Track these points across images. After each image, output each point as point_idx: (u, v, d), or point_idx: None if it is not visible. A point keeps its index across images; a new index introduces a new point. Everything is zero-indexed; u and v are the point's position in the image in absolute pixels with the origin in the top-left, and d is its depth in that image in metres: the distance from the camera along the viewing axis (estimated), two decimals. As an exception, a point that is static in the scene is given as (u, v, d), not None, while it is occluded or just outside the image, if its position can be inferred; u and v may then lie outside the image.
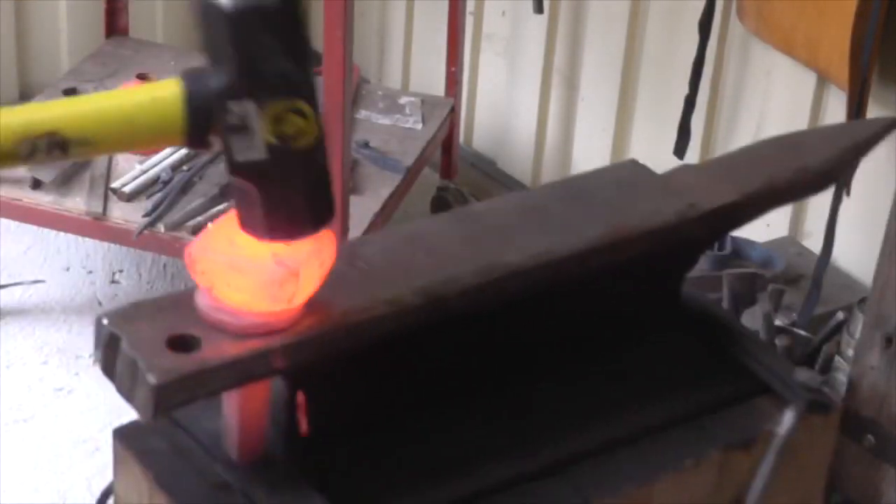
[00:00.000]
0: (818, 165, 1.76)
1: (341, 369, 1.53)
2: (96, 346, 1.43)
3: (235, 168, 1.38)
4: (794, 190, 1.77)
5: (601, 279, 1.67)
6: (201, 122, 1.36)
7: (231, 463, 1.52)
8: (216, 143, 1.38)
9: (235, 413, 1.49)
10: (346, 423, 1.57)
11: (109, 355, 1.41)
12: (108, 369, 1.43)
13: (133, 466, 1.55)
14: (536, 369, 1.69)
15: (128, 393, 1.40)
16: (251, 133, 1.35)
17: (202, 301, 1.44)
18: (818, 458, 1.76)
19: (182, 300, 1.45)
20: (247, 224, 1.41)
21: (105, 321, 1.42)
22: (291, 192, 1.39)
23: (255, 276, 1.40)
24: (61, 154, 1.34)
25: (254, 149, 1.36)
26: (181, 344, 1.41)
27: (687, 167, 1.79)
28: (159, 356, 1.39)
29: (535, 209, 1.68)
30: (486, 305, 1.57)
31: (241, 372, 1.41)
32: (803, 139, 1.83)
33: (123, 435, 1.58)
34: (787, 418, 1.66)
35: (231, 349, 1.40)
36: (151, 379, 1.36)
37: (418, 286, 1.51)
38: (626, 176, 1.75)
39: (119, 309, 1.44)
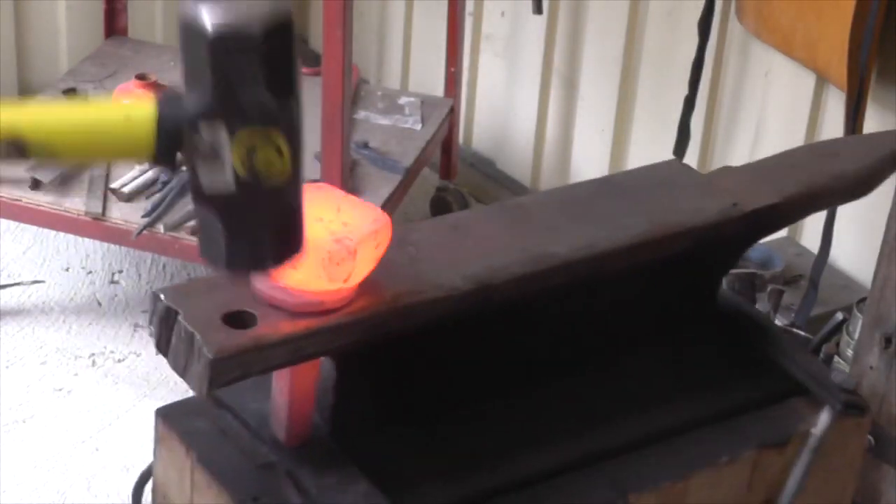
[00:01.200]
0: (855, 172, 1.78)
1: (390, 355, 1.54)
2: (151, 320, 1.45)
3: (199, 196, 1.34)
4: (831, 195, 1.81)
5: (642, 275, 1.68)
6: (171, 142, 1.32)
7: (276, 444, 1.54)
8: (185, 168, 1.35)
9: (285, 392, 1.51)
10: (390, 406, 1.59)
11: (164, 330, 1.43)
12: (162, 345, 1.44)
13: (175, 446, 1.56)
14: (576, 362, 1.71)
15: (182, 368, 1.41)
16: (220, 162, 1.31)
17: (259, 279, 1.45)
18: (850, 459, 1.77)
19: None
20: (206, 252, 1.37)
21: (162, 296, 1.43)
22: (256, 228, 1.35)
23: (312, 254, 1.41)
24: (20, 157, 1.32)
25: (222, 179, 1.32)
26: (237, 320, 1.43)
27: (727, 169, 1.82)
28: (216, 331, 1.41)
29: (580, 204, 1.71)
30: (531, 295, 1.60)
31: (294, 350, 1.44)
32: (840, 147, 1.86)
33: (166, 415, 1.59)
34: (823, 419, 1.67)
35: (286, 327, 1.43)
36: (208, 353, 1.38)
37: (467, 273, 1.54)
38: (668, 175, 1.78)
39: (175, 285, 1.47)
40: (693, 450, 1.65)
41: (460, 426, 1.62)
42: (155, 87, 3.10)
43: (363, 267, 1.45)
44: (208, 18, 1.29)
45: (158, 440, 1.59)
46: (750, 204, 1.71)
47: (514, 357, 1.66)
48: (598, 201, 1.71)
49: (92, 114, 1.35)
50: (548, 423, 1.66)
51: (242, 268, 1.38)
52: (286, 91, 1.32)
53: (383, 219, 1.46)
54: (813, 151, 1.86)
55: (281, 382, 1.51)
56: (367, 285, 1.47)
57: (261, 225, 1.35)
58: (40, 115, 1.34)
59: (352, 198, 1.50)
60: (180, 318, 1.41)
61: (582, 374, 1.71)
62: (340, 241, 1.42)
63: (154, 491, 1.63)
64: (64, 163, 1.37)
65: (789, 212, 1.75)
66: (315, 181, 2.96)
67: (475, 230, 1.63)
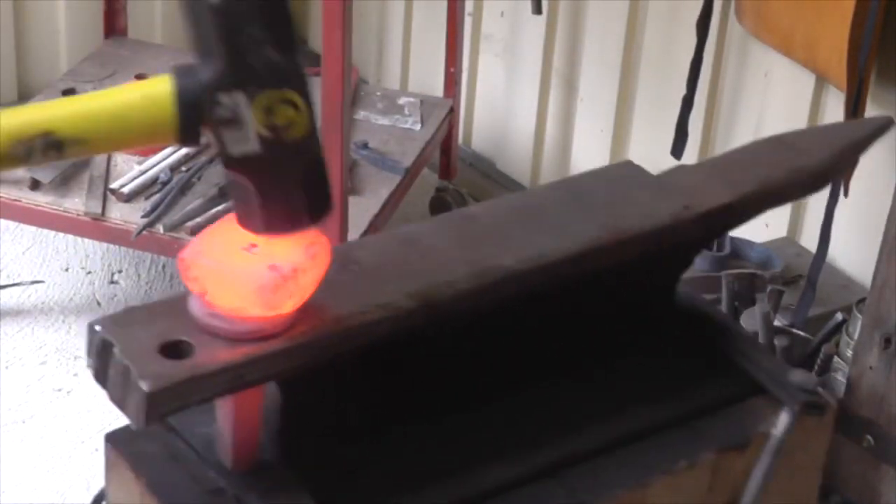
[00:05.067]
0: (813, 166, 1.76)
1: (334, 374, 1.52)
2: (88, 352, 1.42)
3: (229, 162, 1.37)
4: (789, 190, 1.77)
5: (596, 281, 1.66)
6: (192, 116, 1.35)
7: (225, 468, 1.51)
8: (209, 139, 1.37)
9: (229, 419, 1.48)
10: (340, 428, 1.57)
11: (102, 362, 1.40)
12: (101, 376, 1.41)
13: (125, 471, 1.53)
14: (530, 372, 1.68)
15: (120, 400, 1.38)
16: (242, 125, 1.35)
17: (196, 307, 1.43)
18: (813, 459, 1.76)
19: (175, 306, 1.44)
20: (244, 220, 1.41)
21: (98, 327, 1.40)
22: (287, 185, 1.38)
23: (248, 282, 1.39)
24: (57, 154, 1.34)
25: (246, 141, 1.35)
26: (174, 350, 1.39)
27: (682, 168, 1.79)
28: (152, 362, 1.37)
29: (531, 211, 1.67)
30: (480, 309, 1.57)
31: (234, 378, 1.40)
32: (798, 139, 1.83)
33: (116, 439, 1.56)
34: (783, 420, 1.66)
35: (224, 355, 1.39)
36: (144, 386, 1.35)
37: (412, 290, 1.50)
38: (621, 177, 1.75)
39: (112, 315, 1.43)
40: (651, 455, 1.63)
41: (413, 443, 1.59)
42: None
43: (301, 292, 1.42)
44: None
45: (109, 465, 1.56)
46: (703, 205, 1.67)
47: (468, 370, 1.63)
48: (550, 208, 1.67)
49: (112, 98, 1.37)
50: (503, 435, 1.63)
51: (281, 229, 1.40)
52: (290, 47, 1.36)
53: (321, 242, 1.43)
54: (770, 145, 1.82)
55: (224, 409, 1.48)
56: (308, 308, 1.43)
57: (292, 181, 1.38)
58: (65, 108, 1.35)
59: None
60: (115, 350, 1.38)
61: (538, 383, 1.68)
62: (275, 268, 1.40)
63: None
64: (96, 151, 1.39)
65: (744, 210, 1.72)
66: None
67: (422, 244, 1.59)
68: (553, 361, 1.69)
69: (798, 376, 1.70)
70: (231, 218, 1.45)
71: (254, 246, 1.42)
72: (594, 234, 1.62)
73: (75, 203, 2.97)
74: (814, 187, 1.81)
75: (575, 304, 1.68)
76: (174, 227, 2.92)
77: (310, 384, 1.50)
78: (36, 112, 1.35)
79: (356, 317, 1.47)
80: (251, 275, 1.40)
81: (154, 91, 1.36)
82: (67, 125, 1.34)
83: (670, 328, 1.78)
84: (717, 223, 1.72)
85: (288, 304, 1.41)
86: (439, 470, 1.58)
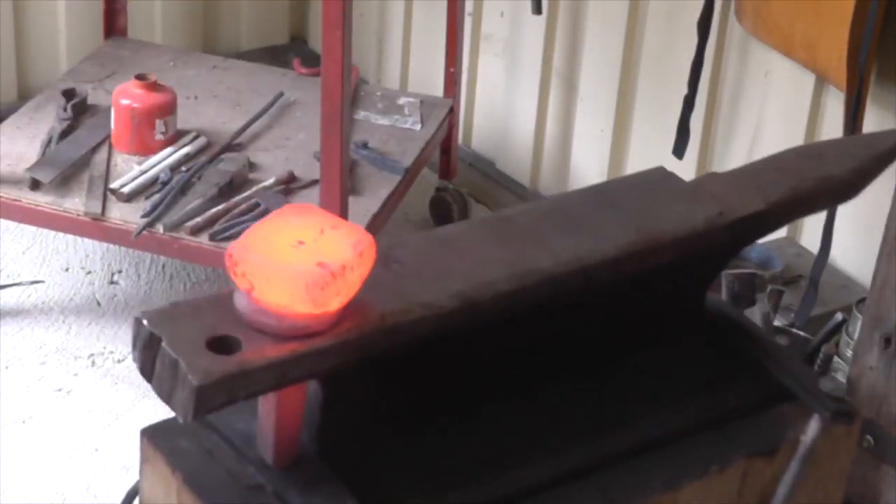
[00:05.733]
0: (842, 175, 1.78)
1: (376, 372, 1.53)
2: (134, 346, 1.42)
3: None
4: (818, 199, 1.79)
5: (629, 285, 1.68)
6: None
7: (263, 464, 1.52)
8: None
9: (272, 415, 1.49)
10: (379, 425, 1.58)
11: (148, 356, 1.41)
12: (146, 370, 1.42)
13: (161, 467, 1.54)
14: (564, 374, 1.70)
15: (167, 394, 1.39)
16: None
17: (242, 303, 1.44)
18: (839, 466, 1.77)
19: (221, 301, 1.46)
20: None
21: (145, 321, 1.41)
22: None
23: (296, 279, 1.40)
24: None
25: None
26: (222, 345, 1.41)
27: (713, 175, 1.81)
28: (200, 357, 1.38)
29: (566, 215, 1.69)
30: (518, 310, 1.58)
31: (281, 374, 1.41)
32: (827, 149, 1.85)
33: (151, 435, 1.57)
34: (812, 427, 1.67)
35: (272, 351, 1.41)
36: (193, 380, 1.36)
37: (453, 290, 1.52)
38: (654, 183, 1.77)
39: (158, 309, 1.44)
40: (683, 459, 1.64)
41: (449, 441, 1.61)
42: (154, 86, 3.11)
43: (347, 289, 1.43)
44: None
45: (144, 460, 1.57)
46: (736, 212, 1.69)
47: (504, 370, 1.65)
48: (585, 212, 1.69)
49: None
50: (538, 436, 1.64)
51: None
52: None
53: (367, 239, 1.44)
54: (799, 154, 1.84)
55: (267, 405, 1.49)
56: (352, 305, 1.45)
57: None
58: None
59: (335, 218, 1.48)
60: (163, 344, 1.39)
61: (571, 385, 1.69)
62: (323, 266, 1.40)
63: None
64: None
65: (775, 217, 1.74)
66: (314, 182, 2.97)
67: (461, 245, 1.61)
68: (585, 364, 1.71)
69: (828, 384, 1.71)
70: (278, 214, 1.46)
71: (301, 243, 1.43)
72: (630, 239, 1.64)
73: (75, 203, 2.97)
74: (843, 196, 1.83)
75: (609, 308, 1.70)
76: (174, 227, 2.92)
77: (350, 381, 1.52)
78: None
79: (400, 315, 1.48)
80: (299, 271, 1.41)
81: None
82: None
83: (700, 334, 1.79)
84: (749, 230, 1.74)
85: (335, 302, 1.43)
86: (473, 469, 1.59)
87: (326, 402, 1.53)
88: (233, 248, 1.43)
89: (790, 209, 1.75)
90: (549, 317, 1.64)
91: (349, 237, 1.44)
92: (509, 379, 1.66)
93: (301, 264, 1.41)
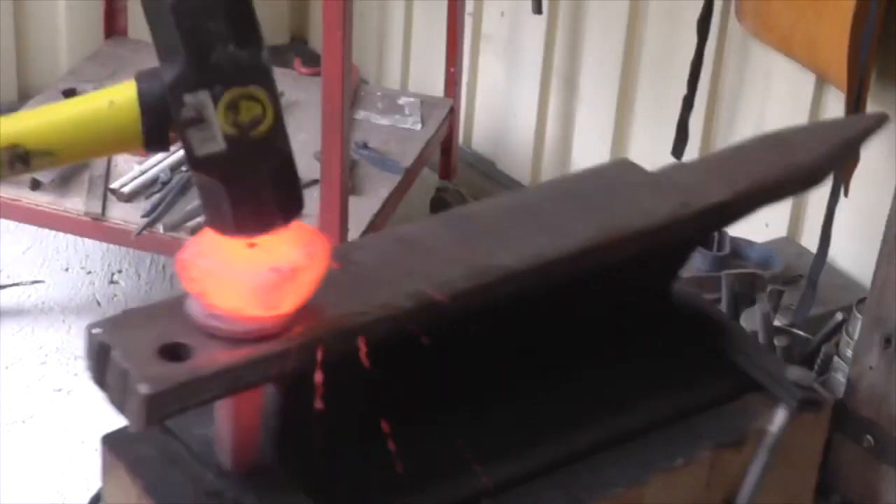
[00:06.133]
0: (808, 162, 1.76)
1: (333, 375, 1.51)
2: (87, 355, 1.41)
3: (196, 164, 1.36)
4: (785, 186, 1.77)
5: (593, 279, 1.66)
6: (158, 119, 1.35)
7: (223, 470, 1.51)
8: (176, 141, 1.36)
9: (228, 421, 1.48)
10: (338, 429, 1.56)
11: (100, 365, 1.40)
12: (99, 379, 1.40)
13: (122, 474, 1.53)
14: (527, 372, 1.68)
15: (119, 403, 1.38)
16: (207, 125, 1.34)
17: (194, 308, 1.42)
18: (809, 456, 1.76)
19: (174, 307, 1.44)
20: (215, 222, 1.40)
21: (95, 330, 1.40)
22: (255, 183, 1.37)
23: (246, 282, 1.39)
24: (24, 167, 1.33)
25: (212, 141, 1.34)
26: (173, 353, 1.39)
27: (678, 166, 1.79)
28: (151, 365, 1.37)
29: (528, 210, 1.68)
30: (478, 308, 1.57)
31: (234, 380, 1.40)
32: (793, 136, 1.83)
33: (112, 442, 1.56)
34: (779, 416, 1.66)
35: (224, 357, 1.39)
36: (143, 389, 1.34)
37: (411, 290, 1.50)
38: (618, 175, 1.75)
39: (110, 318, 1.43)
40: (648, 453, 1.63)
41: (410, 443, 1.58)
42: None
43: (301, 291, 1.41)
44: None
45: (105, 468, 1.56)
46: (700, 202, 1.68)
47: (467, 370, 1.63)
48: (547, 207, 1.68)
49: (78, 107, 1.36)
50: (500, 435, 1.63)
51: (252, 230, 1.39)
52: (254, 42, 1.35)
53: (320, 241, 1.43)
54: (765, 142, 1.82)
55: (224, 411, 1.48)
56: (307, 308, 1.43)
57: (259, 179, 1.37)
58: (30, 120, 1.35)
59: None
60: (113, 353, 1.38)
61: (534, 382, 1.68)
62: (275, 268, 1.39)
63: None
64: (64, 161, 1.38)
65: (741, 207, 1.72)
66: (314, 181, 2.97)
67: (421, 244, 1.59)
68: (549, 360, 1.69)
69: (794, 373, 1.70)
70: None
71: (252, 246, 1.41)
72: (592, 233, 1.62)
73: (75, 203, 2.97)
74: (810, 183, 1.81)
75: (572, 303, 1.68)
76: (174, 227, 2.92)
77: (308, 386, 1.49)
78: (0, 125, 1.33)
79: (355, 317, 1.47)
80: (250, 274, 1.39)
81: (119, 97, 1.35)
82: (34, 137, 1.33)
83: (667, 326, 1.78)
84: (714, 220, 1.72)
85: (287, 304, 1.41)
86: (436, 470, 1.58)
87: (284, 407, 1.51)
88: (183, 252, 1.42)
89: (756, 198, 1.73)
90: (511, 314, 1.62)
91: (301, 238, 1.43)
92: (472, 378, 1.64)
93: (251, 267, 1.39)
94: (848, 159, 1.82)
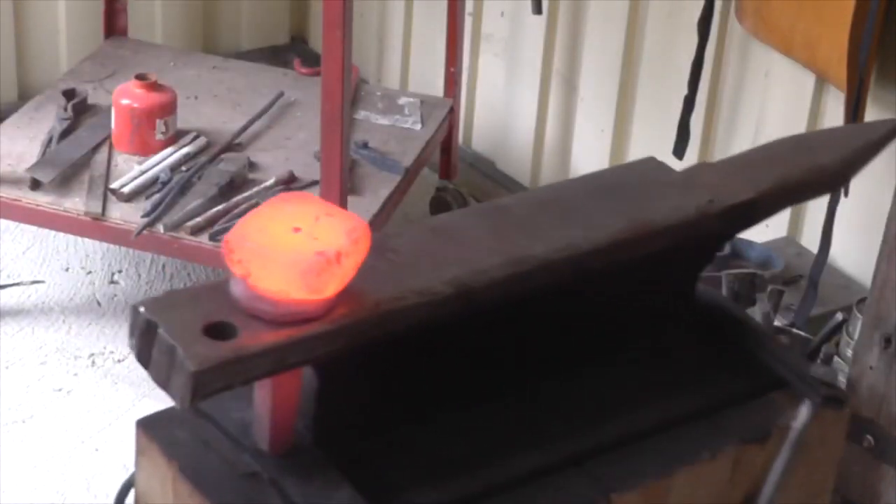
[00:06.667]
0: (831, 165, 1.79)
1: (372, 361, 1.54)
2: (131, 333, 1.43)
3: None
4: (807, 188, 1.81)
5: (621, 274, 1.69)
6: None
7: (259, 452, 1.53)
8: None
9: (267, 402, 1.50)
10: (373, 413, 1.59)
11: (145, 343, 1.42)
12: (143, 357, 1.43)
13: (157, 456, 1.55)
14: (556, 363, 1.71)
15: (164, 381, 1.40)
16: None
17: (238, 289, 1.45)
18: (830, 453, 1.78)
19: (218, 289, 1.46)
20: None
21: (142, 309, 1.42)
22: None
23: (292, 265, 1.41)
24: None
25: None
26: (218, 331, 1.42)
27: (704, 165, 1.83)
28: (197, 343, 1.39)
29: (560, 204, 1.71)
30: (512, 297, 1.59)
31: (277, 360, 1.43)
32: (817, 140, 1.87)
33: (147, 425, 1.58)
34: (803, 413, 1.68)
35: (268, 337, 1.42)
36: (190, 366, 1.37)
37: (448, 277, 1.53)
38: (646, 173, 1.78)
39: (155, 297, 1.46)
40: (674, 447, 1.66)
41: (444, 430, 1.62)
42: (154, 86, 3.11)
43: (343, 275, 1.44)
44: None
45: (139, 451, 1.58)
46: (726, 200, 1.71)
47: (497, 360, 1.67)
48: (578, 201, 1.71)
49: None
50: (530, 425, 1.66)
51: None
52: None
53: (362, 227, 1.45)
54: (790, 144, 1.86)
55: (263, 392, 1.50)
56: (347, 293, 1.46)
57: None
58: None
59: (330, 206, 1.49)
60: (160, 330, 1.40)
61: (564, 374, 1.71)
62: (320, 252, 1.42)
63: (136, 501, 1.62)
64: None
65: (765, 206, 1.76)
66: (314, 182, 2.97)
67: (456, 234, 1.62)
68: (578, 352, 1.72)
69: (819, 369, 1.72)
70: (274, 202, 1.47)
71: (297, 230, 1.44)
72: (622, 227, 1.66)
73: (75, 203, 2.97)
74: (831, 186, 1.87)
75: (601, 298, 1.71)
76: (174, 227, 2.92)
77: (346, 369, 1.53)
78: None
79: (394, 301, 1.49)
80: (295, 257, 1.42)
81: None
82: None
83: (692, 322, 1.80)
84: (739, 218, 1.75)
85: (330, 288, 1.44)
86: (466, 458, 1.60)
87: (322, 390, 1.54)
88: (229, 234, 1.44)
89: (780, 198, 1.77)
90: (542, 307, 1.65)
91: (344, 224, 1.45)
92: (504, 368, 1.67)
93: (297, 251, 1.42)
94: (868, 163, 1.86)
